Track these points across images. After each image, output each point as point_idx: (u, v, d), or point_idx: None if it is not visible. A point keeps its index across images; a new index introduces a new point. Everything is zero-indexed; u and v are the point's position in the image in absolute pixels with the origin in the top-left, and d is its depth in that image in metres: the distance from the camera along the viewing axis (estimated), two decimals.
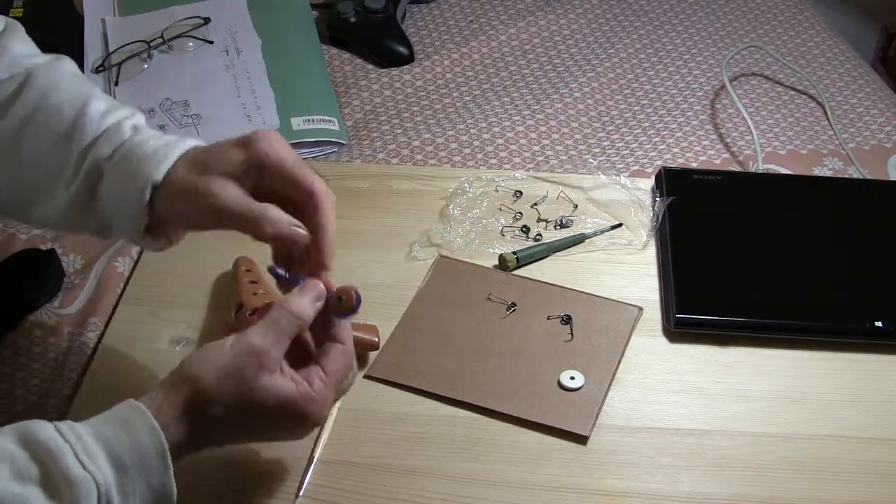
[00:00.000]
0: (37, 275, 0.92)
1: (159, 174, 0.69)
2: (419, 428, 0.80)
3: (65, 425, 0.60)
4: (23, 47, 0.78)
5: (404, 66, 1.25)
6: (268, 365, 0.65)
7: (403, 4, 1.32)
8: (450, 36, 1.31)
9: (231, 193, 0.68)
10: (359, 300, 0.70)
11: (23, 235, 0.98)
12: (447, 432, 0.80)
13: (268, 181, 0.70)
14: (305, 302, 0.68)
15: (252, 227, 0.69)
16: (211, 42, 1.23)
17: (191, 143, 0.72)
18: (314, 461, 0.77)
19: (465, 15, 1.35)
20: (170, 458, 0.61)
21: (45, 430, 0.59)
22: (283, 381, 0.66)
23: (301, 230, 0.69)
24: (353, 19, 1.28)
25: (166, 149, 0.71)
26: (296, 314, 0.67)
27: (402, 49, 1.26)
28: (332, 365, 0.68)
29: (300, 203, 0.70)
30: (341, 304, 0.70)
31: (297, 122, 1.12)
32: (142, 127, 0.74)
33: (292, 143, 1.10)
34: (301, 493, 0.75)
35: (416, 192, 1.03)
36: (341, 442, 0.79)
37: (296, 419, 0.67)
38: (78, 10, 1.28)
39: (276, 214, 0.69)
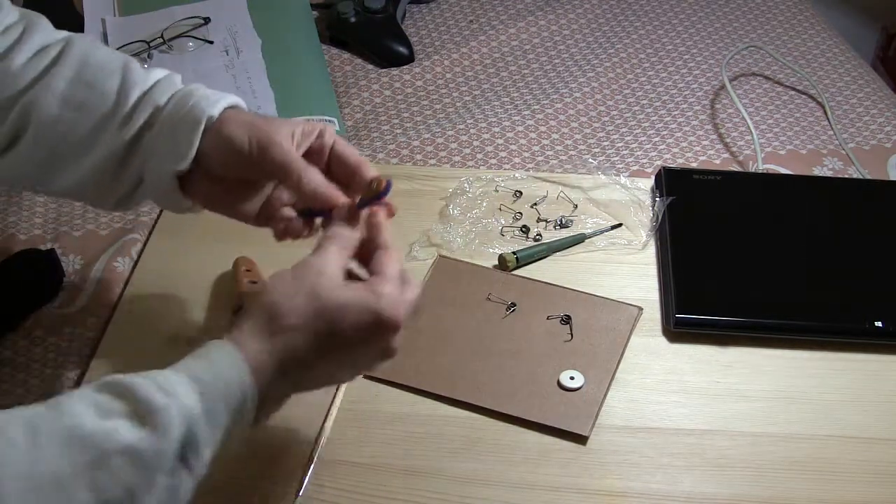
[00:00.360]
0: (37, 275, 0.93)
1: (216, 109, 0.74)
2: (419, 428, 0.80)
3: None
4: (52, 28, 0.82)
5: (404, 66, 1.25)
6: (330, 274, 0.66)
7: (403, 4, 1.32)
8: (450, 36, 1.31)
9: (288, 143, 0.73)
10: (389, 183, 0.72)
11: (22, 236, 0.98)
12: (447, 432, 0.80)
13: (318, 152, 0.75)
14: (344, 212, 0.72)
15: (293, 177, 0.72)
16: (211, 42, 1.23)
17: (240, 100, 0.77)
18: (314, 461, 0.77)
19: (465, 15, 1.35)
20: (253, 388, 0.62)
21: (123, 375, 0.60)
22: (348, 288, 0.66)
23: (339, 193, 0.73)
24: (353, 19, 1.28)
25: (222, 94, 0.76)
26: (340, 227, 0.70)
27: (402, 49, 1.26)
28: (386, 268, 0.69)
29: (344, 181, 0.74)
30: (371, 189, 0.73)
31: None
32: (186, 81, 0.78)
33: None
34: (301, 493, 0.75)
35: (416, 192, 1.03)
36: (341, 442, 0.79)
37: (372, 322, 0.66)
38: (78, 10, 1.28)
39: (315, 173, 0.73)
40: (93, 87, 0.76)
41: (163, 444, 0.57)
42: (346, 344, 0.66)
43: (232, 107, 0.75)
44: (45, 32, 0.79)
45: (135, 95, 0.76)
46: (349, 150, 0.76)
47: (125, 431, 0.57)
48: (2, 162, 0.78)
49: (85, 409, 0.57)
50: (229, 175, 0.75)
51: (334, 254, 0.68)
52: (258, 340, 0.64)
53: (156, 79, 0.77)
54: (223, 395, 0.61)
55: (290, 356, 0.64)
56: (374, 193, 0.72)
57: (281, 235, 0.77)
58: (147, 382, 0.59)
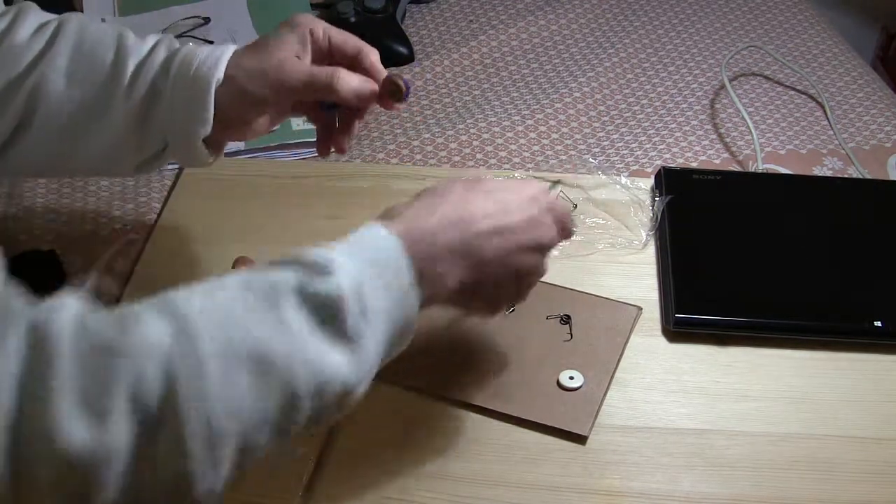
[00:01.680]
0: (38, 275, 0.92)
1: (220, 71, 0.76)
2: (419, 428, 0.80)
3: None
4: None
5: (404, 66, 1.25)
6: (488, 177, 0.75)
7: (403, 4, 1.32)
8: (450, 36, 1.31)
9: (299, 66, 0.77)
10: (408, 87, 0.80)
11: (23, 236, 0.98)
12: (447, 432, 0.80)
13: (316, 52, 0.79)
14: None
15: (326, 88, 0.77)
16: (211, 42, 1.23)
17: (232, 46, 0.79)
18: (314, 461, 0.77)
19: (465, 15, 1.35)
20: (405, 255, 0.64)
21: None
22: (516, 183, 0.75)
23: (370, 84, 0.79)
24: (353, 19, 1.28)
25: (217, 49, 0.78)
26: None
27: (402, 49, 1.26)
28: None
29: (348, 64, 0.79)
30: (394, 93, 0.80)
31: (297, 122, 1.12)
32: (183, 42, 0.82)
33: (292, 143, 1.11)
34: (301, 493, 0.75)
35: (415, 192, 1.03)
36: (341, 442, 0.79)
37: (531, 208, 0.72)
38: (78, 10, 1.28)
39: (345, 74, 0.77)
40: (92, 61, 0.78)
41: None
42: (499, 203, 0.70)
43: (232, 56, 0.78)
44: (38, 14, 0.81)
45: (131, 66, 0.78)
46: (345, 38, 0.80)
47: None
48: (15, 149, 0.79)
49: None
50: (250, 120, 0.79)
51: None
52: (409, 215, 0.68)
53: (150, 45, 0.79)
54: (383, 267, 0.63)
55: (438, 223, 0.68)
56: (397, 97, 0.79)
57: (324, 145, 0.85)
58: (308, 251, 0.62)
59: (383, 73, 0.81)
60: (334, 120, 0.85)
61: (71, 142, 0.79)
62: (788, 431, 0.81)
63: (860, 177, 1.08)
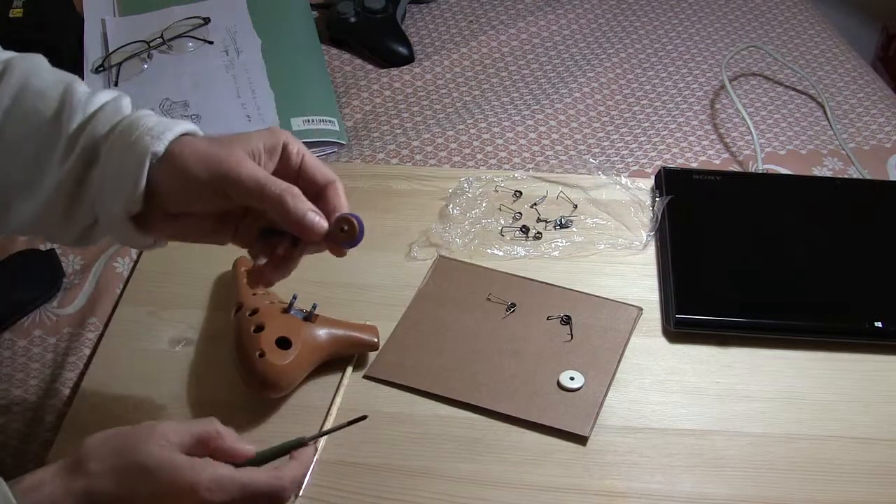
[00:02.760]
0: (36, 275, 0.93)
1: (161, 144, 0.66)
2: (419, 428, 0.80)
3: None
4: None
5: (404, 66, 1.25)
6: (164, 437, 0.64)
7: (403, 4, 1.32)
8: (450, 36, 1.31)
9: (250, 165, 0.66)
10: (362, 229, 0.67)
11: (22, 236, 0.98)
12: (447, 432, 0.80)
13: (283, 168, 0.69)
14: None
15: (275, 201, 0.66)
16: (211, 42, 1.23)
17: (192, 126, 0.70)
18: (314, 461, 0.77)
19: (465, 15, 1.35)
20: None
21: None
22: (175, 454, 0.64)
23: (321, 219, 0.67)
24: (353, 19, 1.28)
25: (170, 123, 0.68)
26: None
27: (402, 49, 1.26)
28: (256, 474, 0.66)
29: (313, 194, 0.68)
30: (345, 233, 0.67)
31: (297, 123, 1.12)
32: (137, 106, 0.72)
33: None
34: (301, 492, 0.75)
35: (415, 192, 1.03)
36: (341, 442, 0.79)
37: (175, 487, 0.63)
38: (78, 10, 1.28)
39: (299, 195, 0.66)
40: (29, 119, 0.69)
41: None
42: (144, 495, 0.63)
43: (185, 134, 0.68)
44: None
45: (73, 125, 0.68)
46: (319, 166, 0.69)
47: None
48: None
49: None
50: (194, 210, 0.69)
51: (186, 427, 0.66)
52: (60, 478, 0.62)
53: (97, 105, 0.69)
54: None
55: (86, 496, 0.62)
56: (348, 238, 0.67)
57: (255, 278, 0.71)
58: None
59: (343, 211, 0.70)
60: (271, 251, 0.71)
61: (3, 200, 0.70)
62: (789, 432, 0.81)
63: (860, 177, 1.08)
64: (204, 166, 0.66)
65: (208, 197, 0.67)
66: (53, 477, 0.62)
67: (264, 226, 0.71)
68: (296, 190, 0.66)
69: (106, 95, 0.70)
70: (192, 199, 0.68)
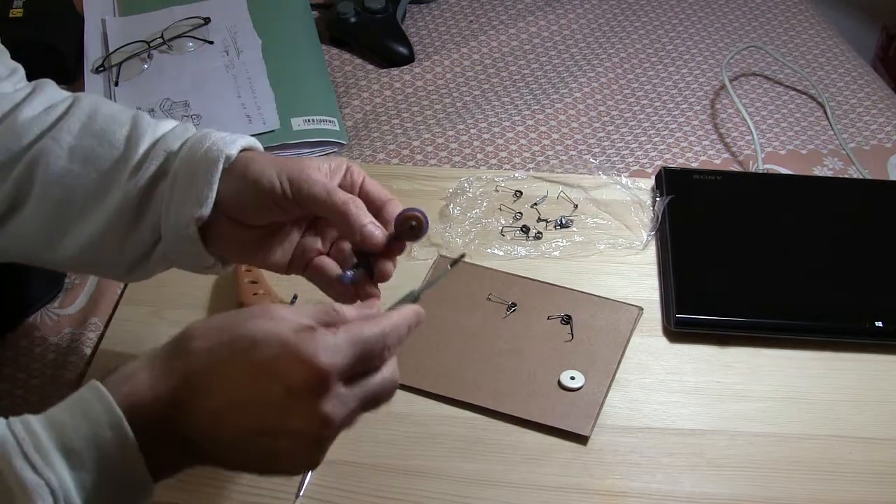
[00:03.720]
0: (37, 275, 0.92)
1: (234, 149, 0.70)
2: (419, 428, 0.80)
3: (18, 420, 0.54)
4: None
5: (404, 66, 1.25)
6: (270, 313, 0.57)
7: (403, 4, 1.32)
8: (450, 36, 1.31)
9: (323, 176, 0.69)
10: (426, 221, 0.70)
11: None
12: (447, 432, 0.80)
13: (345, 186, 0.71)
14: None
15: (338, 209, 0.68)
16: (211, 42, 1.23)
17: (256, 141, 0.73)
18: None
19: (465, 15, 1.35)
20: (134, 447, 0.54)
21: None
22: (288, 331, 0.56)
23: (380, 232, 0.69)
24: (353, 19, 1.28)
25: (238, 135, 0.72)
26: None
27: (402, 49, 1.26)
28: (364, 327, 0.58)
29: (375, 211, 0.71)
30: (413, 228, 0.70)
31: (297, 123, 1.12)
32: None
33: (292, 144, 1.11)
34: (301, 493, 0.75)
35: (416, 192, 1.03)
36: (341, 442, 0.79)
37: (290, 363, 0.55)
38: (78, 10, 1.28)
39: (362, 206, 0.69)
40: (101, 137, 0.72)
41: None
42: (255, 392, 0.55)
43: (249, 148, 0.72)
44: (53, 92, 0.76)
45: (146, 143, 0.72)
46: (378, 188, 0.72)
47: None
48: (5, 229, 0.73)
49: None
50: (256, 220, 0.71)
51: (305, 309, 0.59)
52: (160, 361, 0.57)
53: (167, 127, 0.73)
54: (98, 466, 0.54)
55: (188, 387, 0.56)
56: (416, 234, 0.70)
57: (338, 297, 0.72)
58: (14, 449, 0.53)
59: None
60: (351, 289, 0.71)
61: (62, 222, 0.72)
62: (789, 432, 0.81)
63: (860, 177, 1.08)
64: (277, 171, 0.68)
65: (272, 204, 0.69)
66: (151, 362, 0.57)
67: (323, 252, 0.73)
68: (359, 202, 0.69)
69: (172, 122, 0.74)
70: (260, 205, 0.69)
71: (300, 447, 0.57)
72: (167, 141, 0.72)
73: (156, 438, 0.55)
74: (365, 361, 0.58)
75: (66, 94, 0.77)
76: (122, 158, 0.71)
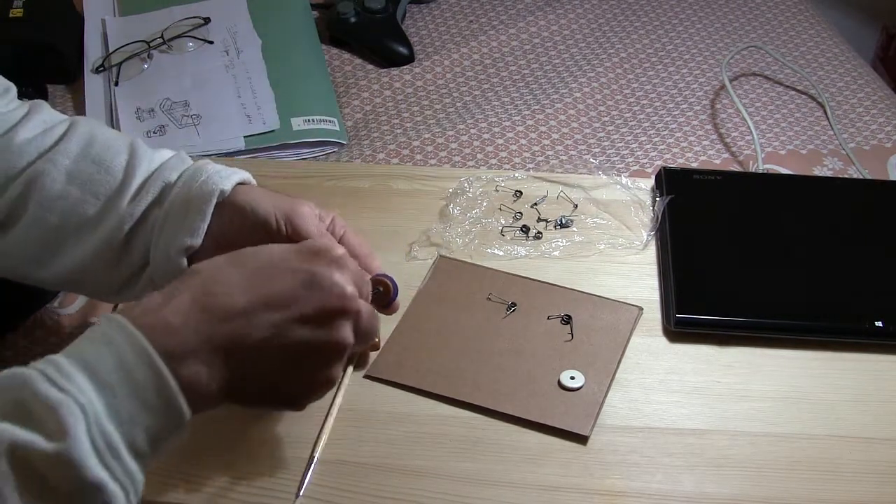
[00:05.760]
0: None
1: (229, 184, 0.73)
2: (419, 428, 0.80)
3: (36, 362, 0.56)
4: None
5: (404, 66, 1.25)
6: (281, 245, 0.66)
7: (403, 4, 1.32)
8: (450, 36, 1.31)
9: (314, 217, 0.74)
10: (395, 288, 0.75)
11: None
12: (447, 432, 0.80)
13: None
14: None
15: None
16: (211, 42, 1.23)
17: (249, 175, 0.77)
18: (314, 461, 0.77)
19: (465, 15, 1.35)
20: (163, 368, 0.56)
21: (7, 370, 0.55)
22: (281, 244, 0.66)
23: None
24: (353, 19, 1.28)
25: (233, 169, 0.75)
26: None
27: (402, 49, 1.27)
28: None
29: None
30: (379, 293, 0.74)
31: (297, 123, 1.12)
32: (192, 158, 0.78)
33: (292, 144, 1.11)
34: (301, 493, 0.75)
35: (415, 192, 1.03)
36: (341, 442, 0.79)
37: (303, 265, 0.63)
38: (78, 10, 1.28)
39: (348, 255, 0.70)
40: (100, 164, 0.74)
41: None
42: (282, 303, 0.61)
43: (243, 182, 0.75)
44: (49, 113, 0.77)
45: (143, 172, 0.74)
46: (359, 242, 0.76)
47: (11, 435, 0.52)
48: None
49: None
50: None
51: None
52: (170, 298, 0.59)
53: (164, 157, 0.76)
54: (128, 390, 0.55)
55: (207, 303, 0.59)
56: (379, 298, 0.74)
57: None
58: (34, 375, 0.54)
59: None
60: None
61: (54, 244, 0.73)
62: (789, 431, 0.81)
63: (860, 177, 1.08)
64: (272, 204, 0.72)
65: (264, 235, 0.71)
66: (159, 291, 0.60)
67: None
68: (342, 249, 0.69)
69: (168, 152, 0.77)
70: (250, 237, 0.70)
71: (322, 341, 0.63)
72: (164, 172, 0.74)
73: (178, 355, 0.57)
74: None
75: (61, 116, 0.78)
76: (120, 187, 0.73)
